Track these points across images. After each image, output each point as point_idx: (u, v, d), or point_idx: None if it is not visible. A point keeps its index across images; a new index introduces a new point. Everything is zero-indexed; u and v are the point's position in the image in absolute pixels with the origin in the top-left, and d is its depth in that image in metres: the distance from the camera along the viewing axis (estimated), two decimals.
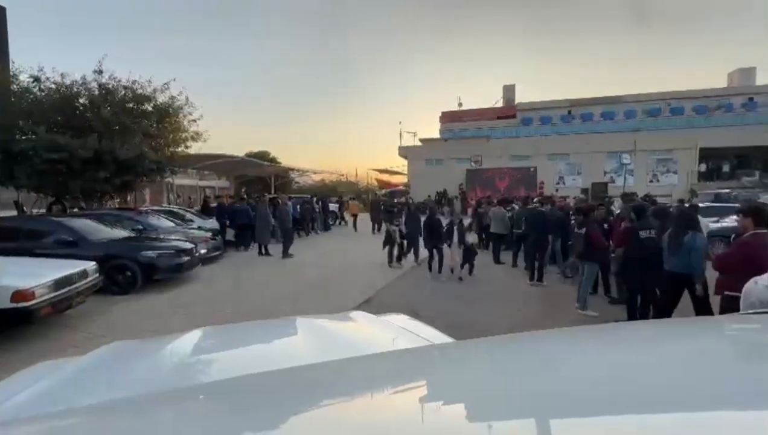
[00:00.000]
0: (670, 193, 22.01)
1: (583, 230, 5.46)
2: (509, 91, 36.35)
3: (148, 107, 14.11)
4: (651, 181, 26.87)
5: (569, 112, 32.60)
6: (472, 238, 7.98)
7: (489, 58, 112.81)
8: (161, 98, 14.11)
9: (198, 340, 1.42)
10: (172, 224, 9.93)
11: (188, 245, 7.37)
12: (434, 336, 1.47)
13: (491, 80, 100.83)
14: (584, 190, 24.96)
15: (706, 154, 27.17)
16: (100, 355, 1.38)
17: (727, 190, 16.96)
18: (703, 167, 27.35)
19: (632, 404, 0.57)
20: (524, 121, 33.27)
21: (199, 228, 10.25)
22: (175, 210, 12.19)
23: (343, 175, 43.64)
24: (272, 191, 25.06)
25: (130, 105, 13.81)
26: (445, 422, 0.59)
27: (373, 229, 15.63)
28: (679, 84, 57.55)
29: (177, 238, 7.99)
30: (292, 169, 32.32)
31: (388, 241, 8.80)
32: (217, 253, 9.43)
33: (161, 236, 8.01)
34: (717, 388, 0.61)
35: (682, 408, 0.55)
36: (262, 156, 32.62)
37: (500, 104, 35.96)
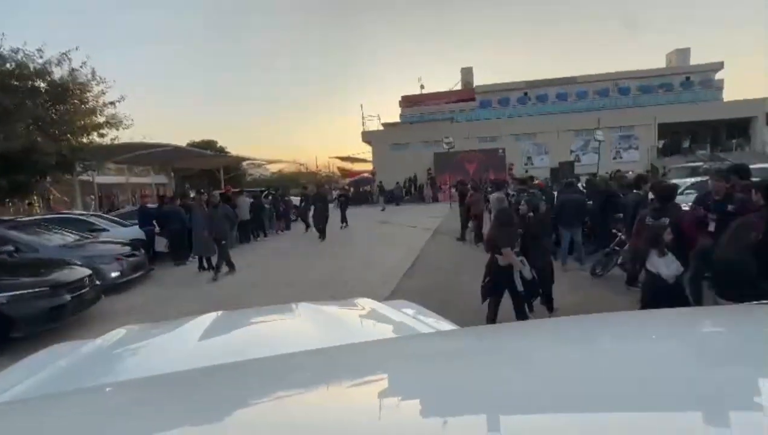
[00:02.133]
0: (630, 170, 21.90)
1: (665, 221, 3.84)
2: (467, 73, 35.17)
3: (41, 84, 10.92)
4: (614, 158, 27.04)
5: (526, 94, 32.07)
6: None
7: (449, 39, 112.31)
8: (58, 72, 10.97)
9: (208, 324, 1.42)
10: (71, 238, 7.14)
11: (80, 273, 4.91)
12: (440, 323, 1.44)
13: (451, 62, 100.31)
14: (553, 170, 24.48)
15: (662, 131, 27.73)
16: (111, 338, 1.40)
17: (700, 164, 16.68)
18: (661, 143, 27.94)
19: (639, 397, 0.56)
20: (483, 104, 32.37)
21: (123, 242, 7.43)
22: (81, 217, 9.23)
23: (302, 165, 41.02)
24: (222, 186, 21.93)
25: (15, 82, 10.58)
26: (446, 408, 0.58)
27: (322, 233, 11.11)
28: (621, 64, 59.99)
29: (67, 261, 5.43)
30: (244, 160, 29.04)
31: (512, 289, 4.08)
32: (139, 273, 6.94)
33: (43, 261, 5.42)
34: (717, 381, 0.60)
35: (683, 399, 0.55)
36: (208, 145, 29.00)
37: (459, 87, 34.75)
